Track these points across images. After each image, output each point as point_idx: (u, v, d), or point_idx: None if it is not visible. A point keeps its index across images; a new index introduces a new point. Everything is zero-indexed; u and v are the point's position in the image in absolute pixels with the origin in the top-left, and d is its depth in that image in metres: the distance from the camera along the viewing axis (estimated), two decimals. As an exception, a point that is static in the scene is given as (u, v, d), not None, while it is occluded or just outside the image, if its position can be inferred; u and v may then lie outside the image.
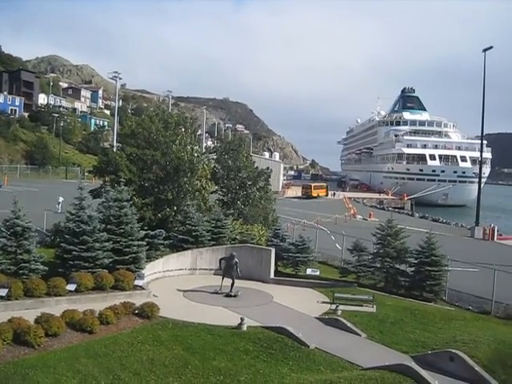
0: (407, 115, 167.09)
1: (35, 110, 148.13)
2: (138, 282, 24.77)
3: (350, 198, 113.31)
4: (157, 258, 29.05)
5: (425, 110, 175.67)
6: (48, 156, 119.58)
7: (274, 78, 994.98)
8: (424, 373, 16.48)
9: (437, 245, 29.75)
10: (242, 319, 20.77)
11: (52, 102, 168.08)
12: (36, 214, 38.71)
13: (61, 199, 50.72)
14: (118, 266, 25.14)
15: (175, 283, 27.59)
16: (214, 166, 43.69)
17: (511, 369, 18.34)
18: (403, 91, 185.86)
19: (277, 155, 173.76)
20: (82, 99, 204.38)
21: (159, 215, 35.38)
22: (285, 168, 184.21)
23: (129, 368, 16.32)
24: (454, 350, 18.54)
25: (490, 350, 19.19)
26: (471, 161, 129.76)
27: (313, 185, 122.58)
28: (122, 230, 26.18)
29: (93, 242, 24.34)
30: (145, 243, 27.06)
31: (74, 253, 23.96)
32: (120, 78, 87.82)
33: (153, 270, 27.86)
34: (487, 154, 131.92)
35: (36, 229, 25.85)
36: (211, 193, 40.52)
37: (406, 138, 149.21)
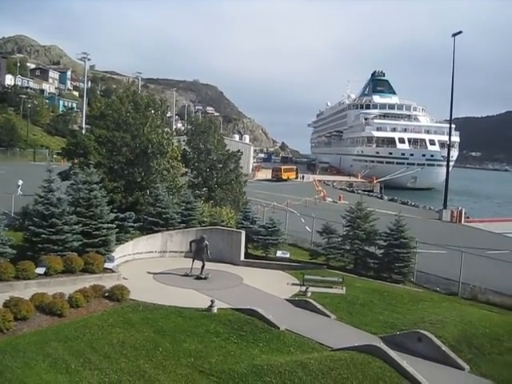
0: (377, 99, 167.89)
1: (2, 91, 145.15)
2: (108, 265, 24.69)
3: (319, 180, 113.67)
4: (127, 241, 28.89)
5: (394, 93, 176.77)
6: (15, 138, 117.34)
7: (244, 60, 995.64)
8: (392, 353, 16.74)
9: (405, 227, 30.05)
10: (212, 301, 20.84)
11: (19, 83, 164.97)
12: (2, 197, 38.39)
13: (20, 182, 49.91)
14: (88, 249, 24.98)
15: (145, 266, 27.51)
16: (184, 149, 43.50)
17: (477, 348, 18.77)
18: (373, 75, 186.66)
19: (247, 138, 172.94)
20: (50, 80, 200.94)
21: (129, 198, 35.16)
22: (255, 151, 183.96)
23: (99, 351, 16.29)
24: (421, 331, 18.87)
25: (456, 330, 19.55)
26: (440, 144, 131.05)
27: (283, 167, 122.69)
28: (92, 213, 26.01)
29: (62, 225, 24.15)
30: (115, 226, 26.93)
31: (43, 236, 23.76)
32: (89, 59, 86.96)
33: (123, 252, 27.75)
34: (455, 138, 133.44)
35: (4, 212, 25.54)
36: (181, 175, 40.34)
37: (375, 121, 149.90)
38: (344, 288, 25.32)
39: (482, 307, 25.12)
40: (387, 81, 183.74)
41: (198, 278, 25.85)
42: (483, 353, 18.66)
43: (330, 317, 21.63)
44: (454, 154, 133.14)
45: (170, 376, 15.08)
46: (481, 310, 24.21)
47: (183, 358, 16.25)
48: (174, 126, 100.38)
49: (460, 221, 60.90)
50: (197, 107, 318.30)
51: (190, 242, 27.59)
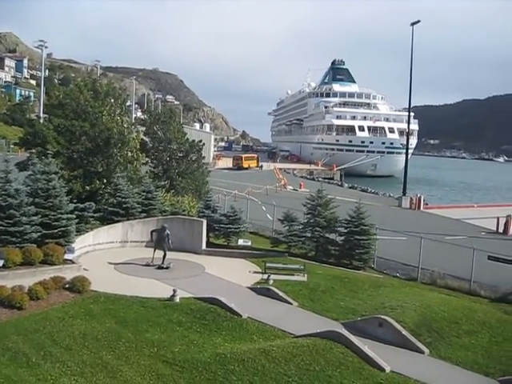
0: (337, 87, 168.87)
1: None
2: (68, 256, 24.39)
3: (280, 168, 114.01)
4: (87, 231, 28.57)
5: (354, 82, 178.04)
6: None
7: (199, 46, 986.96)
8: (354, 338, 16.98)
9: (365, 214, 30.38)
10: (174, 291, 20.80)
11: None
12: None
13: None
14: (47, 240, 24.58)
15: (106, 256, 27.25)
16: (143, 138, 43.10)
17: (436, 332, 19.16)
18: (333, 63, 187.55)
19: (207, 126, 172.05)
20: (6, 69, 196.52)
21: (88, 188, 34.73)
22: (215, 139, 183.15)
23: (60, 343, 16.14)
24: (382, 316, 19.16)
25: (416, 314, 19.90)
26: (399, 132, 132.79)
27: (244, 156, 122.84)
28: (51, 204, 25.61)
29: (20, 216, 23.73)
30: (74, 216, 26.58)
31: (1, 227, 23.29)
32: (46, 47, 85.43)
33: (83, 243, 27.42)
34: (414, 126, 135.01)
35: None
36: (142, 164, 40.02)
37: (335, 109, 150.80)
38: (305, 275, 25.49)
39: (441, 292, 25.60)
40: (347, 69, 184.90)
41: (160, 267, 25.74)
42: (442, 336, 19.07)
43: (291, 304, 21.79)
44: (413, 141, 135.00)
45: (133, 367, 15.04)
46: (440, 294, 24.66)
47: (146, 349, 16.21)
48: (134, 115, 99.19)
49: (419, 207, 61.70)
50: (156, 96, 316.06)
51: (151, 232, 27.45)
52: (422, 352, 17.91)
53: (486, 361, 17.51)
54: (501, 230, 46.20)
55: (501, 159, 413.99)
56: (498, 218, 47.09)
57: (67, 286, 21.02)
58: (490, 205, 71.91)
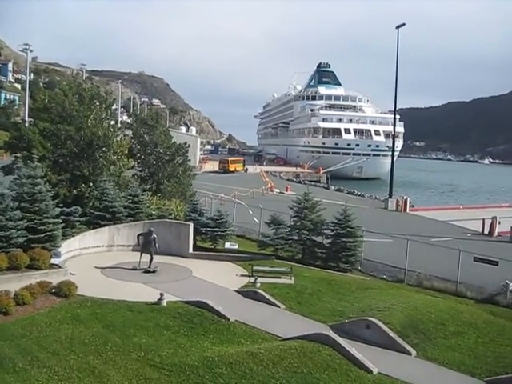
0: (323, 90, 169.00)
1: None
2: (54, 261, 24.31)
3: (266, 171, 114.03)
4: (73, 236, 28.45)
5: (340, 84, 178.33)
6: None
7: (184, 49, 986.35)
8: (341, 341, 17.05)
9: (352, 217, 30.50)
10: (161, 295, 20.78)
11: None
12: None
13: None
14: (33, 245, 24.50)
15: (93, 260, 27.16)
16: (131, 141, 43.02)
17: (423, 333, 19.27)
18: (319, 66, 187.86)
19: (193, 130, 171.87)
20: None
21: (75, 192, 34.61)
22: (202, 142, 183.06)
23: (47, 348, 16.07)
24: (369, 318, 19.25)
25: (403, 316, 20.00)
26: (385, 135, 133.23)
27: (230, 159, 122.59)
28: (37, 208, 25.51)
29: (6, 221, 23.63)
30: (60, 221, 26.50)
31: (-14, 232, 23.21)
32: (31, 51, 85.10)
33: (69, 247, 27.34)
34: (400, 128, 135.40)
35: None
36: (128, 168, 39.91)
37: (321, 112, 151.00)
38: (292, 278, 25.54)
39: (428, 293, 25.73)
40: (333, 72, 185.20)
41: (147, 271, 25.69)
42: (429, 337, 19.18)
43: (279, 307, 21.82)
44: (399, 144, 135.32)
45: (121, 371, 14.99)
46: (426, 295, 24.77)
47: (133, 353, 16.17)
48: (120, 119, 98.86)
49: (405, 209, 61.94)
50: (142, 99, 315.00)
51: (138, 236, 27.39)
52: (409, 353, 18.00)
53: (472, 361, 17.62)
54: (486, 231, 46.52)
55: (486, 161, 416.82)
56: (483, 220, 47.40)
57: (54, 290, 20.92)
58: (476, 206, 72.34)
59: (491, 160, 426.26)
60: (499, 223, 46.27)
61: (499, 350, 18.58)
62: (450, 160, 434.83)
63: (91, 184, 35.13)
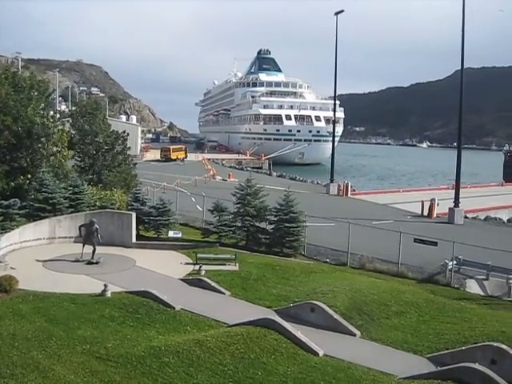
0: (263, 76, 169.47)
1: None
2: (-7, 255, 23.73)
3: (208, 159, 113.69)
4: (12, 229, 27.75)
5: (280, 71, 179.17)
6: None
7: (117, 37, 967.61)
8: (287, 325, 17.21)
9: (295, 202, 30.75)
10: (105, 286, 20.55)
11: None
12: None
13: None
14: (-30, 240, 23.88)
15: (34, 254, 26.59)
16: (69, 131, 42.18)
17: (367, 314, 19.64)
18: (259, 53, 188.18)
19: (134, 118, 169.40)
20: None
21: (13, 184, 33.77)
22: (142, 131, 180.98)
23: (-12, 345, 15.69)
24: (314, 301, 19.48)
25: (347, 298, 20.32)
26: (325, 120, 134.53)
27: (171, 147, 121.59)
28: (-27, 202, 24.85)
29: None
30: (-2, 214, 25.87)
31: None
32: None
33: (8, 241, 26.68)
34: (340, 114, 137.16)
35: None
36: (68, 159, 39.17)
37: (262, 99, 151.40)
38: (237, 264, 25.61)
39: (370, 275, 26.25)
40: (273, 59, 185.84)
41: (90, 262, 25.34)
42: (372, 318, 19.57)
43: (224, 294, 21.89)
44: (339, 129, 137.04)
45: (66, 365, 14.76)
46: (369, 277, 25.28)
47: (78, 346, 15.94)
48: (58, 108, 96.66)
49: (346, 194, 62.74)
50: (81, 88, 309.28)
51: (80, 227, 26.96)
52: (353, 334, 18.33)
53: (414, 339, 18.07)
54: (425, 213, 47.59)
55: (424, 145, 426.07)
56: (422, 202, 48.48)
57: (-7, 285, 20.43)
58: (415, 189, 74.13)
59: (429, 144, 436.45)
60: (437, 205, 47.42)
61: (440, 327, 19.09)
62: (389, 144, 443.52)
63: (30, 176, 34.35)
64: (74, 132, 42.89)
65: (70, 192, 32.30)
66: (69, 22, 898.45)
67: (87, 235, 26.25)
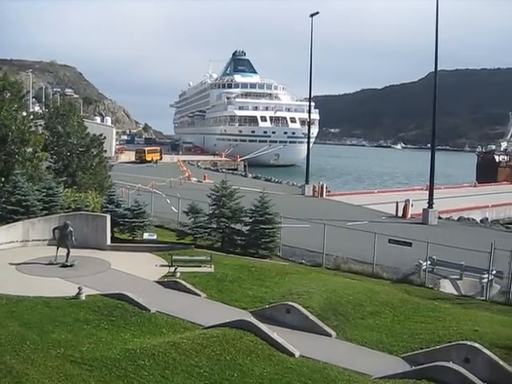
0: (239, 78, 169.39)
1: None
2: (-35, 258, 23.43)
3: (184, 160, 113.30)
4: (-15, 232, 27.51)
5: (256, 72, 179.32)
6: None
7: (91, 38, 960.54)
8: (263, 326, 17.22)
9: (270, 203, 30.79)
10: (80, 289, 20.40)
11: None
12: None
13: None
14: None
15: (6, 257, 26.26)
16: (43, 133, 41.79)
17: (342, 315, 19.74)
18: (234, 54, 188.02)
19: (108, 120, 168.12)
20: None
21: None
22: (117, 132, 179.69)
23: (-41, 351, 15.46)
24: (289, 303, 19.52)
25: (322, 299, 20.38)
26: (300, 122, 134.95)
27: (147, 149, 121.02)
28: None
29: None
30: (-30, 217, 25.55)
31: None
32: None
33: (-19, 244, 26.41)
34: (315, 115, 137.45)
35: None
36: (43, 160, 38.79)
37: (237, 100, 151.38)
38: (212, 266, 25.57)
39: (346, 276, 26.36)
40: (248, 60, 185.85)
41: (64, 265, 25.14)
42: (348, 318, 19.67)
43: (200, 295, 21.85)
44: (315, 130, 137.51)
45: (40, 369, 14.57)
46: (344, 278, 25.37)
47: (53, 350, 15.77)
48: (32, 110, 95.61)
49: (322, 195, 62.89)
50: (55, 89, 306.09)
51: (54, 229, 26.72)
52: (329, 335, 18.41)
53: (389, 339, 18.19)
54: (400, 214, 47.94)
55: (398, 146, 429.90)
56: (397, 203, 48.81)
57: (-35, 289, 20.17)
58: (390, 190, 74.65)
59: (403, 145, 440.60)
60: (412, 206, 47.80)
61: (414, 326, 19.24)
62: (364, 146, 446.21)
63: (3, 178, 33.96)
64: (47, 134, 42.49)
65: (44, 194, 32.02)
66: (42, 22, 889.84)
67: (61, 238, 26.02)
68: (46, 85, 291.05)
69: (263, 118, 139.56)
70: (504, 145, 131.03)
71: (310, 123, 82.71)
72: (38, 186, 32.76)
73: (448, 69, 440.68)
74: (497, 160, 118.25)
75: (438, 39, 44.50)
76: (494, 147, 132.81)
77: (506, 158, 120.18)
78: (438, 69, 45.76)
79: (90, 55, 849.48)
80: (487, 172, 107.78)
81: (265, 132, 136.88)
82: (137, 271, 24.75)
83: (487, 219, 53.42)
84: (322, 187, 64.06)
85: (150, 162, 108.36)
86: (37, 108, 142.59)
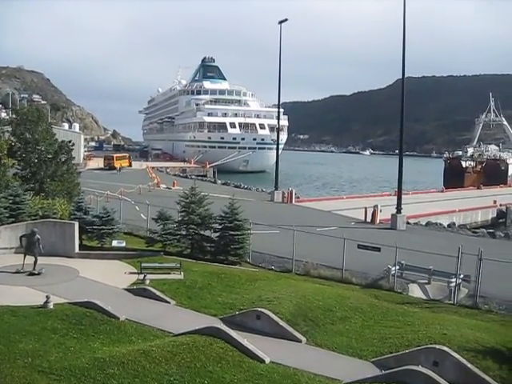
0: (208, 84, 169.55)
1: None
2: None
3: (153, 167, 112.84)
4: (-51, 241, 27.04)
5: (225, 79, 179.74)
6: None
7: (53, 43, 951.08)
8: (233, 333, 17.18)
9: (239, 210, 30.78)
10: (47, 297, 20.13)
11: None
12: None
13: None
14: None
15: (-28, 265, 25.91)
16: (9, 139, 41.25)
17: (312, 320, 19.80)
18: (203, 60, 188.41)
19: (77, 126, 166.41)
20: None
21: None
22: (86, 139, 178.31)
23: None
24: (259, 309, 19.52)
25: (292, 305, 20.41)
26: (269, 128, 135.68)
27: (115, 156, 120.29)
28: None
29: None
30: None
31: None
32: None
33: None
34: (284, 122, 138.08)
35: None
36: (9, 167, 38.29)
37: (206, 106, 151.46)
38: (182, 273, 25.44)
39: (315, 281, 26.42)
40: (217, 67, 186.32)
41: (31, 273, 24.80)
42: (318, 324, 19.73)
43: (169, 303, 21.73)
44: (284, 137, 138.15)
45: (6, 380, 14.32)
46: (314, 284, 25.43)
47: (20, 360, 15.52)
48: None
49: (291, 201, 63.08)
50: (22, 95, 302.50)
51: (21, 237, 26.36)
52: (299, 341, 18.43)
53: (359, 344, 18.27)
54: (369, 219, 48.32)
55: (367, 152, 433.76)
56: (365, 208, 49.21)
57: None
58: (358, 196, 75.25)
59: (372, 151, 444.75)
60: (380, 211, 48.22)
61: (384, 331, 19.37)
62: (332, 152, 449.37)
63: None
64: (14, 140, 41.95)
65: (11, 202, 31.59)
66: (8, 27, 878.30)
67: (28, 246, 25.67)
68: (13, 91, 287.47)
69: (232, 125, 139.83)
70: (470, 151, 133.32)
71: (278, 129, 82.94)
72: (4, 194, 32.33)
73: (415, 76, 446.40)
74: (464, 166, 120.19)
75: (405, 47, 45.07)
76: (460, 153, 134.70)
77: (472, 163, 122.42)
78: (406, 76, 46.28)
79: (56, 60, 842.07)
80: (454, 177, 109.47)
81: (234, 138, 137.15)
82: (106, 279, 24.53)
83: (454, 224, 54.00)
84: (291, 193, 64.23)
85: (115, 169, 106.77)
86: (3, 114, 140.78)
